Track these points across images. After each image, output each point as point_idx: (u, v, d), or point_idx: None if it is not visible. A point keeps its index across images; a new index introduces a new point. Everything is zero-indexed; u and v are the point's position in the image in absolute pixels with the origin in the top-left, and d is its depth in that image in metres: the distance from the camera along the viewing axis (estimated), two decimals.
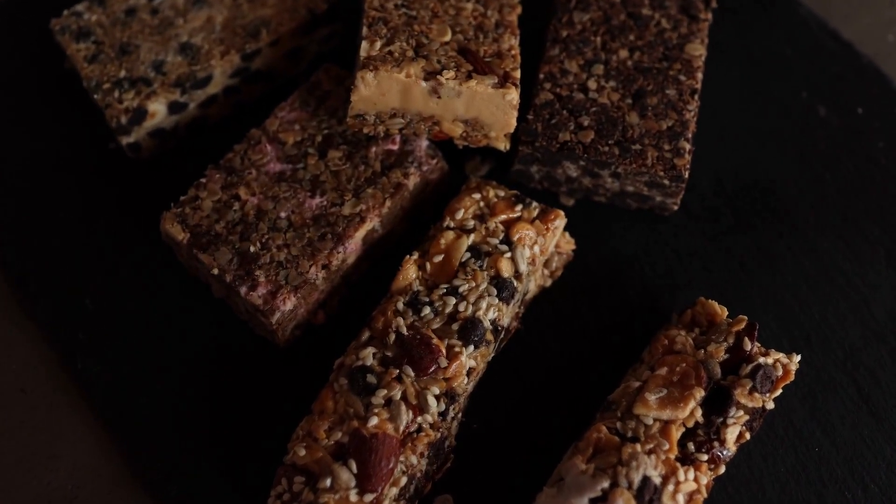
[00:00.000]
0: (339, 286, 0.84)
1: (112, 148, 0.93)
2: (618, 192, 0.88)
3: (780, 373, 0.75)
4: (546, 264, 0.84)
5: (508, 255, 0.77)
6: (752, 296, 0.86)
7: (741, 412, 0.73)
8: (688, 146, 0.83)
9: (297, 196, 0.82)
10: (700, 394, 0.73)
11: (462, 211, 0.79)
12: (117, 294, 0.86)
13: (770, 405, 0.74)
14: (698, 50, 0.89)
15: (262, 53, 0.91)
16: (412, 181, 0.83)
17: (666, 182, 0.84)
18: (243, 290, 0.78)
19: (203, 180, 0.83)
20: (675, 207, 0.88)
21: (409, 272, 0.77)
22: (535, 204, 0.80)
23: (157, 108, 0.89)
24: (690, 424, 0.72)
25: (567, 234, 0.84)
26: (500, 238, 0.78)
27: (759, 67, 0.98)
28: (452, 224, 0.79)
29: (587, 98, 0.86)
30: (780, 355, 0.75)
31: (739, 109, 0.96)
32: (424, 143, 0.84)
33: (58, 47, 0.92)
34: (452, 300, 0.75)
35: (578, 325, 0.85)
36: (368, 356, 0.73)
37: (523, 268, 0.77)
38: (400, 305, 0.75)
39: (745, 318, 0.77)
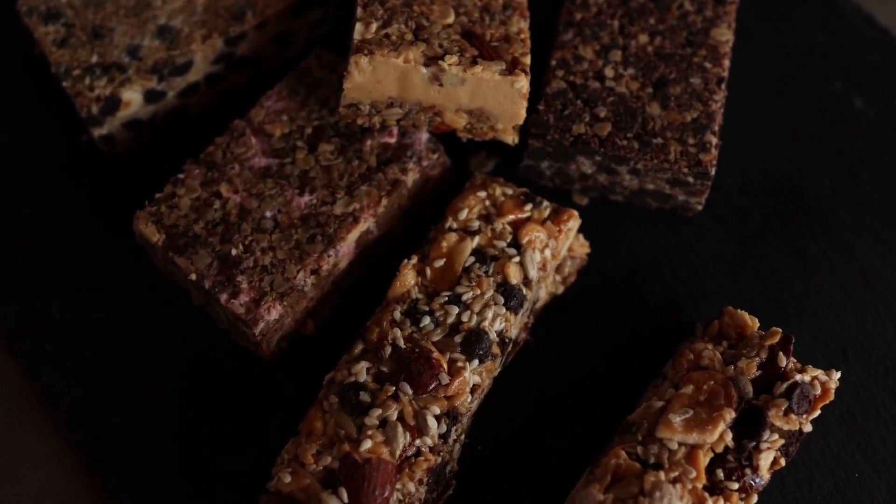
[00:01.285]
0: (330, 293, 0.81)
1: (84, 141, 0.91)
2: (636, 191, 0.86)
3: (818, 392, 0.72)
4: (558, 270, 0.82)
5: (517, 259, 0.75)
6: (784, 305, 0.84)
7: (776, 436, 0.70)
8: (714, 140, 0.81)
9: (284, 194, 0.79)
10: (730, 415, 0.70)
11: (466, 211, 0.77)
12: (87, 301, 0.83)
13: (808, 427, 0.71)
14: (725, 35, 0.87)
15: (248, 38, 0.89)
16: (411, 177, 0.81)
17: (690, 179, 0.82)
18: (223, 297, 0.75)
19: (181, 176, 0.81)
20: (700, 207, 0.86)
21: (408, 278, 0.75)
22: (546, 203, 0.78)
23: (132, 97, 0.86)
24: (719, 449, 0.69)
25: (581, 237, 0.82)
26: (508, 241, 0.76)
27: (790, 55, 0.96)
28: (455, 225, 0.77)
29: (603, 87, 0.83)
30: (819, 372, 0.73)
31: (768, 101, 0.93)
32: (424, 135, 0.82)
33: (26, 30, 0.90)
34: (455, 309, 0.73)
35: (593, 336, 0.82)
36: (362, 371, 0.71)
37: (533, 274, 0.75)
38: (397, 315, 0.73)
39: (779, 330, 0.74)
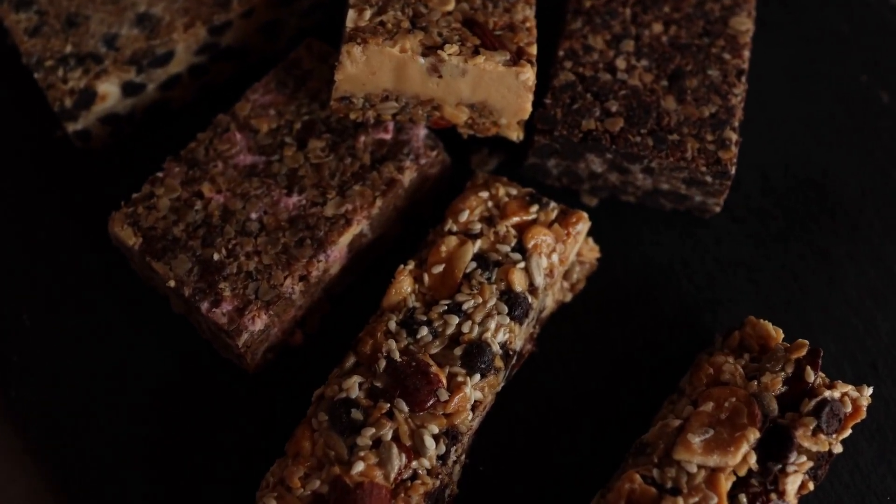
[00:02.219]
0: (321, 302, 0.80)
1: (58, 136, 0.89)
2: (650, 191, 0.84)
3: (848, 409, 0.70)
4: (566, 276, 0.80)
5: (522, 265, 0.74)
6: (808, 314, 0.82)
7: (803, 457, 0.68)
8: (734, 136, 0.79)
9: (270, 194, 0.78)
10: (754, 435, 0.68)
11: (467, 212, 0.76)
12: (59, 309, 0.82)
13: (837, 448, 0.69)
14: (745, 24, 0.85)
15: (234, 26, 0.86)
16: (408, 176, 0.79)
17: (708, 179, 0.80)
18: (204, 305, 0.73)
19: (160, 175, 0.79)
20: (718, 209, 0.84)
21: (404, 285, 0.73)
22: (553, 204, 0.77)
23: (109, 90, 0.84)
24: (742, 473, 0.67)
25: (590, 240, 0.81)
26: (512, 245, 0.75)
27: (813, 46, 0.95)
28: (455, 228, 0.76)
29: (615, 79, 0.82)
30: (849, 388, 0.70)
31: (790, 95, 0.92)
32: (422, 131, 0.80)
33: None
34: (455, 319, 0.71)
35: (603, 348, 0.81)
36: (354, 387, 0.69)
37: (539, 280, 0.74)
38: (392, 325, 0.71)
39: (807, 342, 0.72)
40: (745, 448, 0.67)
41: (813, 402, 0.69)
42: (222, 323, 0.73)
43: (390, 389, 0.69)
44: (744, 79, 0.82)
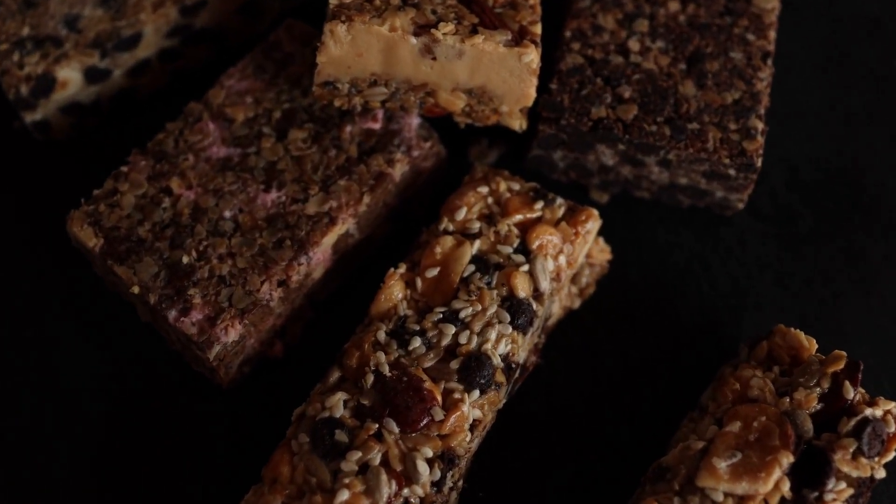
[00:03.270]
0: (302, 309, 0.78)
1: (15, 127, 0.87)
2: (666, 186, 0.83)
3: (892, 429, 0.67)
4: (574, 280, 0.79)
5: (525, 268, 0.72)
6: (843, 321, 0.81)
7: (842, 484, 0.65)
8: (760, 125, 0.78)
9: (246, 190, 0.76)
10: (787, 459, 0.65)
11: (464, 210, 0.75)
12: (14, 315, 0.81)
13: (880, 473, 0.67)
14: (770, 2, 0.83)
15: (208, 6, 0.85)
16: (399, 170, 0.77)
17: (732, 172, 0.78)
18: (172, 314, 0.71)
19: (124, 169, 0.77)
20: (741, 205, 0.83)
21: (394, 291, 0.72)
22: (559, 200, 0.76)
23: (70, 76, 0.82)
24: (775, 502, 0.65)
25: (601, 241, 0.79)
26: (515, 246, 0.73)
27: (844, 28, 0.94)
28: (451, 227, 0.74)
29: (628, 62, 0.80)
30: (892, 405, 0.68)
31: (819, 80, 0.91)
32: (415, 120, 0.79)
33: None
34: (451, 329, 0.70)
35: (615, 359, 0.80)
36: (338, 405, 0.67)
37: (545, 285, 0.72)
38: (381, 336, 0.70)
39: (844, 354, 0.70)
40: (777, 474, 0.65)
41: (852, 422, 0.67)
42: (191, 333, 0.71)
43: (379, 408, 0.67)
44: (769, 62, 0.81)
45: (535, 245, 0.73)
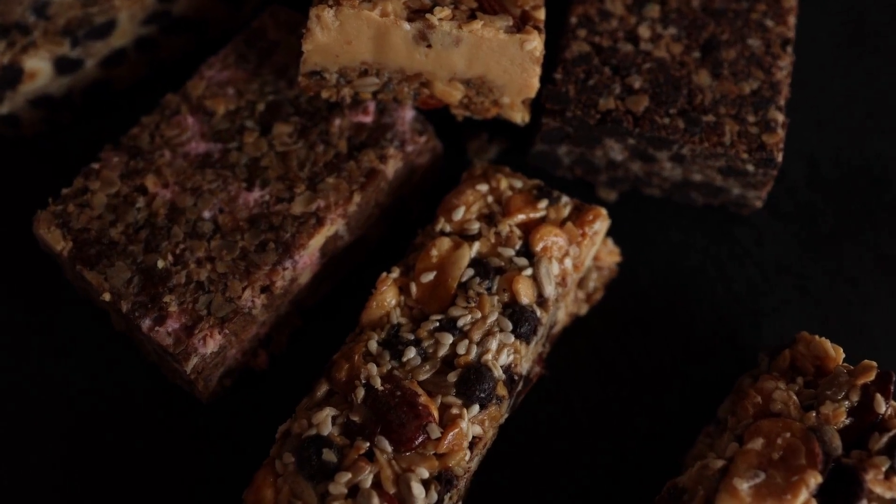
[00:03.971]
0: (288, 317, 0.77)
1: None
2: (679, 183, 0.82)
3: None
4: (581, 284, 0.79)
5: (528, 272, 0.71)
6: (870, 328, 0.79)
7: None
8: (781, 117, 0.77)
9: (227, 188, 0.74)
10: (815, 479, 0.63)
11: (462, 209, 0.74)
12: None
13: None
14: None
15: None
16: (391, 167, 0.76)
17: (750, 168, 0.77)
18: (146, 323, 0.69)
19: (95, 166, 0.75)
20: (759, 204, 0.82)
21: (387, 297, 0.70)
22: (565, 199, 0.75)
23: (39, 67, 0.80)
24: None
25: (610, 242, 0.79)
26: (517, 248, 0.72)
27: (868, 14, 0.93)
28: (449, 228, 0.74)
29: (638, 51, 0.80)
30: None
31: (842, 70, 0.90)
32: (409, 113, 0.78)
33: None
34: (448, 338, 0.69)
35: (625, 369, 0.79)
36: (326, 422, 0.66)
37: (549, 290, 0.71)
38: (373, 346, 0.69)
39: (874, 364, 0.68)
40: (804, 495, 0.63)
41: (885, 438, 0.65)
42: (167, 344, 0.69)
43: (370, 425, 0.65)
44: (789, 49, 0.80)
45: (538, 247, 0.72)
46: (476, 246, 0.72)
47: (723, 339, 0.79)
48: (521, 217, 0.73)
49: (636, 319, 0.80)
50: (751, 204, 0.82)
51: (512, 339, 0.68)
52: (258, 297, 0.70)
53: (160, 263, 0.70)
